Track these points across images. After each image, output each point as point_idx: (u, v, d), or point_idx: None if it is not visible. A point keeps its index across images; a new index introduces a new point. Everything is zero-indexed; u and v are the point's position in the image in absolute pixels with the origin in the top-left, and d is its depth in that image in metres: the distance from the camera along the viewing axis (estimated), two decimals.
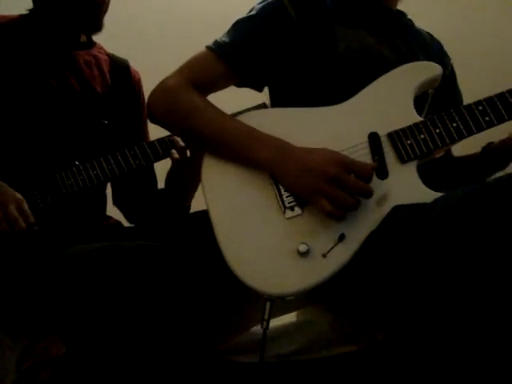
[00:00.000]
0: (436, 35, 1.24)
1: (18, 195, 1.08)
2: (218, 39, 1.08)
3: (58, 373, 0.96)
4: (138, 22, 2.12)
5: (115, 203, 1.39)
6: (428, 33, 1.23)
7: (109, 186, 1.36)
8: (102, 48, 1.34)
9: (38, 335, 1.01)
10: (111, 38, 1.25)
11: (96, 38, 1.32)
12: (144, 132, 1.37)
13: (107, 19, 1.24)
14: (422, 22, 1.21)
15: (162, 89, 1.06)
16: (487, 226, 0.75)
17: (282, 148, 0.96)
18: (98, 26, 1.23)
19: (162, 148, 1.21)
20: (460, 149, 1.18)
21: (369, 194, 0.90)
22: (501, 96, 0.94)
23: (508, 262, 0.73)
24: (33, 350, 0.99)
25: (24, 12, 1.26)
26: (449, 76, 1.22)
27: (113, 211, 1.36)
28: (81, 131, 1.21)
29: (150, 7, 2.18)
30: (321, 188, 0.90)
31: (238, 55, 1.05)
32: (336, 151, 0.93)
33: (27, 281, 1.00)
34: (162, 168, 1.32)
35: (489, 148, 1.16)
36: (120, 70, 1.33)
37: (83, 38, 1.29)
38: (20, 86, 1.17)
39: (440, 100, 1.12)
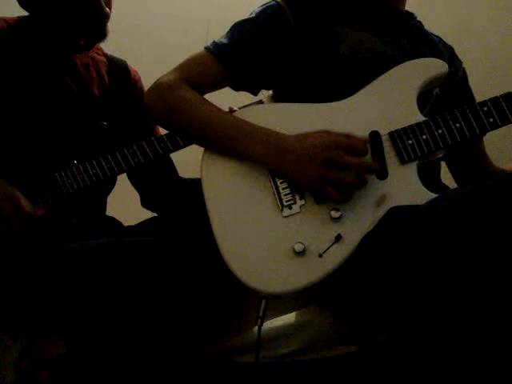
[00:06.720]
0: (439, 34, 1.21)
1: (11, 190, 1.06)
2: (216, 40, 1.08)
3: (58, 373, 0.97)
4: (137, 22, 2.12)
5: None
6: (438, 36, 1.20)
7: (112, 190, 1.36)
8: (99, 49, 1.34)
9: (38, 335, 1.01)
10: (111, 39, 1.25)
11: None
12: (152, 126, 1.36)
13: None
14: (424, 21, 1.19)
15: (157, 87, 1.06)
16: (476, 227, 0.75)
17: (276, 141, 0.95)
18: (103, 35, 1.23)
19: (160, 146, 1.20)
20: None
21: (371, 169, 0.91)
22: (507, 96, 0.91)
23: (498, 263, 0.73)
24: (33, 350, 0.99)
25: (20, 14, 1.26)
26: (460, 80, 1.19)
27: (113, 213, 1.36)
28: (80, 133, 1.21)
29: (149, 7, 2.17)
30: (321, 174, 0.90)
31: (234, 57, 1.05)
32: (327, 132, 0.93)
33: (26, 278, 1.00)
34: (179, 159, 1.36)
35: None
36: (118, 70, 1.33)
37: (82, 41, 1.28)
38: (19, 90, 1.17)
39: (450, 104, 1.09)
